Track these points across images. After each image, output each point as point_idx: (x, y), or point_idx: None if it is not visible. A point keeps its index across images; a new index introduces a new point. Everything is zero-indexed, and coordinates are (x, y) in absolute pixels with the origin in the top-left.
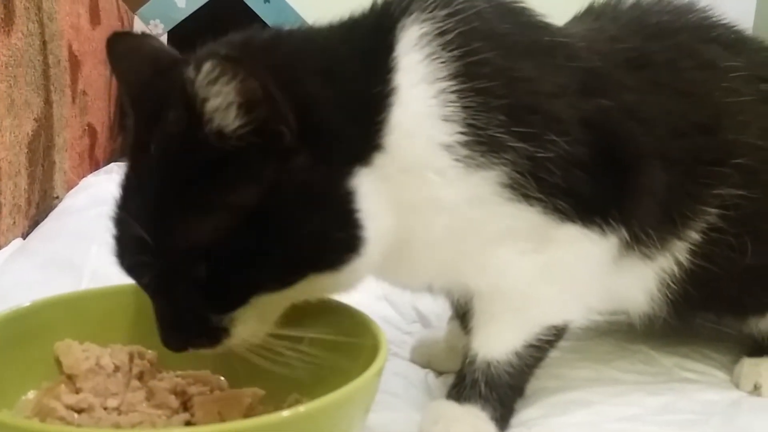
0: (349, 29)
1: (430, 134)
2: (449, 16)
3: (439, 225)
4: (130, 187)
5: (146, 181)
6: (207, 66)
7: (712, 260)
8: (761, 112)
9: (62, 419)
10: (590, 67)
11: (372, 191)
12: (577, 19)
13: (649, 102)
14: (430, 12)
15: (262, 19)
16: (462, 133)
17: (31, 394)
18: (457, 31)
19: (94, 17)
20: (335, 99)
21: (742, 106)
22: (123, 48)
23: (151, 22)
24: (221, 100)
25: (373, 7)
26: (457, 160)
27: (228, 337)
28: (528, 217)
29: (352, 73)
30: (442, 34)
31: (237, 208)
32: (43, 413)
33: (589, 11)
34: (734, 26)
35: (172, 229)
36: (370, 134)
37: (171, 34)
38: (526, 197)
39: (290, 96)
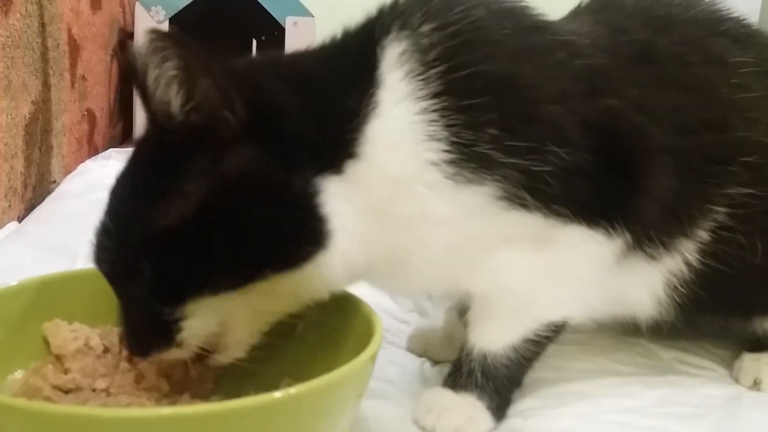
0: (338, 47)
1: (415, 150)
2: (436, 30)
3: (436, 240)
4: (114, 186)
5: (121, 170)
6: (147, 38)
7: (722, 260)
8: None
9: (48, 399)
10: (595, 65)
11: (342, 195)
12: (581, 10)
13: (656, 98)
14: (414, 29)
15: (262, 6)
16: (447, 151)
17: (18, 374)
18: (443, 47)
19: (95, 2)
20: (306, 107)
21: (751, 102)
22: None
23: (153, 8)
24: (160, 72)
25: (362, 24)
26: (446, 177)
27: (179, 331)
28: (528, 223)
29: (332, 87)
30: (424, 50)
31: (188, 195)
32: (29, 393)
33: (594, 2)
34: (744, 20)
35: (129, 215)
36: (342, 142)
37: (173, 20)
38: (524, 206)
39: (251, 93)
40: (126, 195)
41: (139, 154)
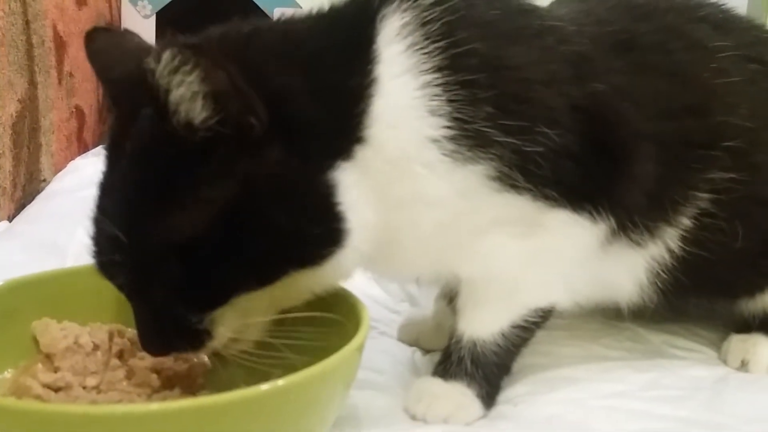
0: (330, 20)
1: (415, 127)
2: (435, 4)
3: (428, 220)
4: (106, 186)
5: (121, 179)
6: (167, 55)
7: (704, 246)
8: (750, 93)
9: (38, 397)
10: (580, 51)
11: (354, 184)
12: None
13: (638, 85)
14: (414, 1)
15: (252, 1)
16: (448, 127)
17: (8, 373)
18: (442, 21)
19: None
20: (312, 92)
21: (731, 87)
22: (102, 44)
23: (139, 3)
24: (184, 90)
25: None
26: (444, 154)
27: (210, 339)
28: (517, 205)
29: (331, 64)
30: (425, 23)
31: (211, 202)
32: (19, 392)
33: None
34: (722, 5)
35: (146, 226)
36: (351, 127)
37: (159, 15)
38: (515, 187)
39: (262, 88)
40: (136, 204)
41: (142, 160)
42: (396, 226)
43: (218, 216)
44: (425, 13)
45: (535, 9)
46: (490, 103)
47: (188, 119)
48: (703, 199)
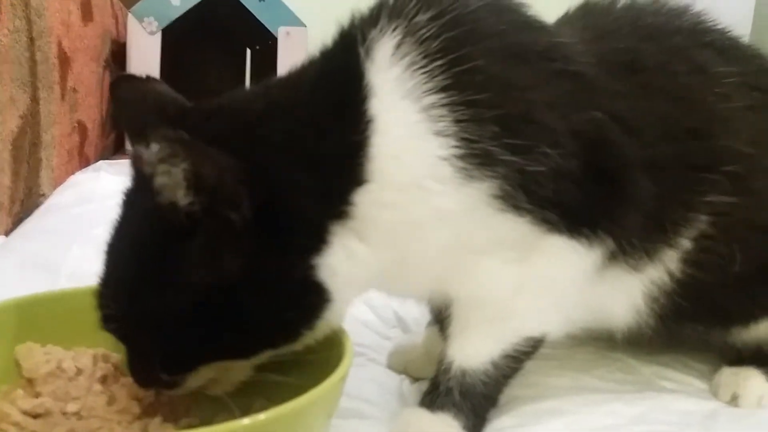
0: (314, 72)
1: (423, 149)
2: (433, 19)
3: (434, 239)
4: (116, 238)
5: (124, 241)
6: (154, 147)
7: (703, 269)
8: (751, 120)
9: (17, 424)
10: (585, 73)
11: (347, 239)
12: (570, 16)
13: (640, 107)
14: (409, 18)
15: (255, 16)
16: (456, 146)
17: None
18: (442, 37)
19: (86, 14)
20: (302, 169)
21: (733, 112)
22: (126, 92)
23: (145, 19)
24: (167, 180)
25: (338, 34)
26: (454, 171)
27: (178, 387)
28: (516, 227)
29: (319, 126)
30: (424, 41)
31: (188, 285)
32: None
33: (583, 8)
34: (728, 32)
35: (131, 295)
36: (346, 178)
37: (165, 31)
38: (516, 207)
39: (248, 179)
40: (123, 266)
41: (142, 223)
42: (402, 250)
43: (193, 298)
44: (423, 30)
45: (543, 26)
46: (495, 122)
47: (173, 201)
48: (703, 221)
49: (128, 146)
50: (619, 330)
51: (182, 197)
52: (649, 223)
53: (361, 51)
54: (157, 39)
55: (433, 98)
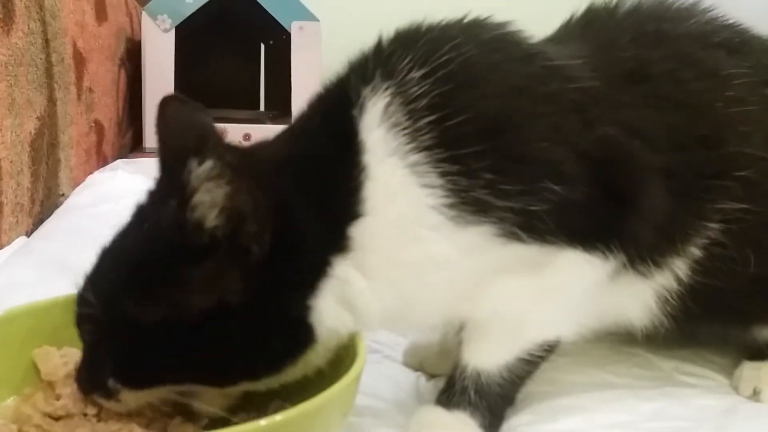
0: (321, 115)
1: (412, 198)
2: (425, 76)
3: (438, 281)
4: (119, 239)
5: (127, 245)
6: (209, 164)
7: (714, 275)
8: (765, 121)
9: (39, 427)
10: (588, 89)
11: (349, 271)
12: (572, 26)
13: (648, 118)
14: (401, 77)
15: (268, 11)
16: (445, 196)
17: (11, 401)
18: (433, 94)
19: (100, 13)
20: (310, 213)
21: (745, 115)
22: (171, 112)
23: (159, 17)
24: (207, 198)
25: (336, 82)
26: (446, 219)
27: (116, 400)
28: (524, 253)
29: (323, 173)
30: (412, 101)
31: (184, 305)
32: (20, 421)
33: (586, 15)
34: (739, 27)
35: (118, 299)
36: (344, 221)
37: (179, 29)
38: (520, 240)
39: (273, 217)
40: (126, 271)
41: (152, 234)
42: (403, 285)
43: (181, 317)
44: (413, 89)
45: (540, 51)
46: (488, 170)
47: (201, 220)
48: (714, 229)
49: (146, 144)
50: (635, 330)
51: (212, 219)
52: (658, 234)
53: (355, 112)
54: (171, 36)
55: (417, 157)
